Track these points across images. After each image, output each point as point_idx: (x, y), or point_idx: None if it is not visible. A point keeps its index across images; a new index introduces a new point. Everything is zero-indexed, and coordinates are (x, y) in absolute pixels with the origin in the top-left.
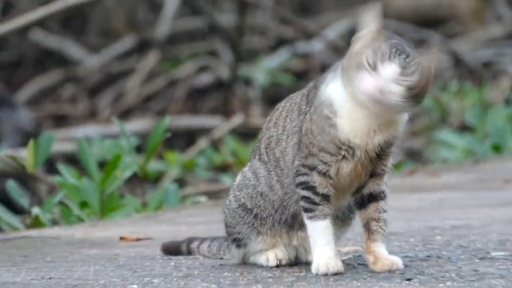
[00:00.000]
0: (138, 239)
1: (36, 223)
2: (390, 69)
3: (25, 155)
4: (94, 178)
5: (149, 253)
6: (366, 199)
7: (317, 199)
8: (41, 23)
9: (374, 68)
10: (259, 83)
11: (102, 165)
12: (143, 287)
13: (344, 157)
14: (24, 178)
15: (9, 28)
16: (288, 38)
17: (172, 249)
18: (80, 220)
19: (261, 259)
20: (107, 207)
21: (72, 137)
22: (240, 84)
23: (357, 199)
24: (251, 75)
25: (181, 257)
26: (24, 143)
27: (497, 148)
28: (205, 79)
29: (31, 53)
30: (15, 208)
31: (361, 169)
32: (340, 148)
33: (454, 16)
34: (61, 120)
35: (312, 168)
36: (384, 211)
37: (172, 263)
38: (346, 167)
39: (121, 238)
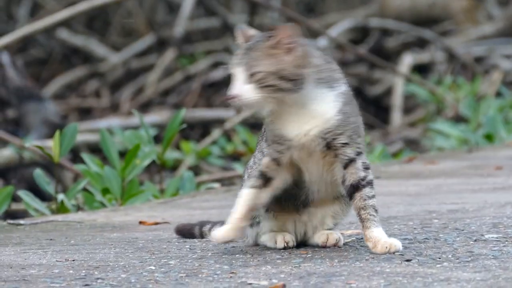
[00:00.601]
0: (156, 223)
1: (61, 209)
2: (236, 73)
3: (51, 145)
4: (115, 166)
5: (166, 236)
6: (350, 190)
7: (256, 174)
8: (67, 23)
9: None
10: None
11: (122, 154)
12: (160, 268)
13: (290, 147)
14: (50, 166)
15: (38, 27)
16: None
17: (185, 232)
18: (102, 205)
19: (270, 241)
20: (127, 193)
21: (95, 128)
22: None
23: (346, 193)
24: None
25: (196, 240)
26: (50, 134)
27: (489, 137)
28: (218, 74)
29: (58, 50)
30: (42, 195)
31: (319, 157)
32: (279, 141)
33: (448, 16)
34: (85, 113)
35: (267, 155)
36: (369, 197)
37: (187, 246)
38: (297, 155)
39: (140, 222)
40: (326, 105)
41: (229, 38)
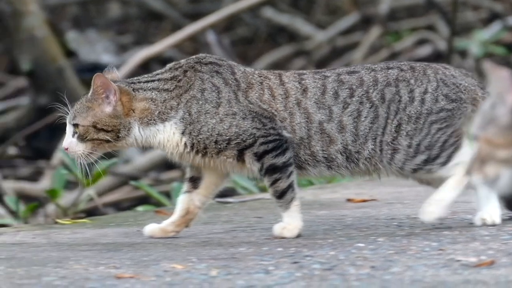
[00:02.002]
0: (364, 201)
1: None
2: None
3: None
4: None
5: (374, 213)
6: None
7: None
8: (272, 1)
9: None
10: (474, 55)
11: None
12: (368, 245)
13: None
14: None
15: (243, 6)
16: (500, 13)
17: None
18: (310, 183)
19: None
20: None
21: None
22: (455, 55)
23: None
24: (466, 47)
25: (403, 217)
26: None
27: None
28: (424, 51)
29: (264, 29)
30: None
31: (208, 161)
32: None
33: None
34: None
35: None
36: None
37: (395, 223)
38: (192, 161)
39: (348, 200)
40: (166, 137)
41: (433, 15)
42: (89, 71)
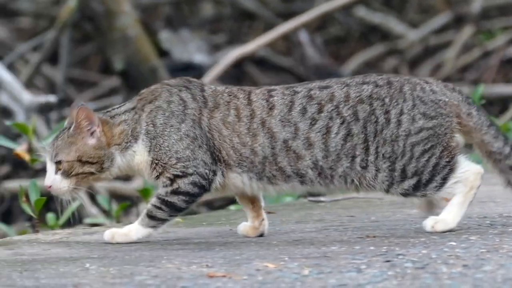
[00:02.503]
0: None
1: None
2: (47, 163)
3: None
4: None
5: (466, 212)
6: None
7: None
8: (365, 0)
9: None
10: None
11: None
12: (460, 243)
13: None
14: None
15: (336, 5)
16: None
17: None
18: None
19: None
20: None
21: None
22: None
23: None
24: None
25: (496, 215)
26: None
27: None
28: None
29: (356, 28)
30: None
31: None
32: None
33: None
34: None
35: None
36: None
37: (488, 221)
38: None
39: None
40: (140, 158)
41: None
42: (182, 70)
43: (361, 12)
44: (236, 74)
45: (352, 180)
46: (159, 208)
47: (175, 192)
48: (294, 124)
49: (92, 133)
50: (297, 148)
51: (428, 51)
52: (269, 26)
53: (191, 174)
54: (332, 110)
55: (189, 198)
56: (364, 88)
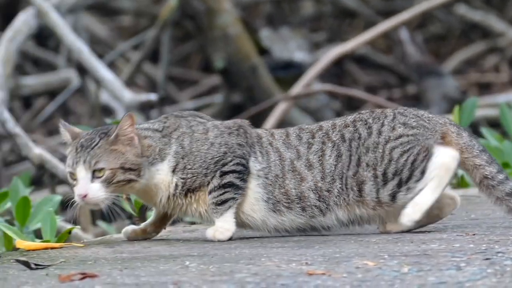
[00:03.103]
0: None
1: (462, 183)
2: (78, 173)
3: (452, 119)
4: None
5: None
6: None
7: None
8: None
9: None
10: None
11: None
12: None
13: None
14: None
15: (436, 3)
16: None
17: None
18: None
19: None
20: None
21: (495, 103)
22: None
23: None
24: None
25: None
26: (450, 109)
27: None
28: None
29: (457, 26)
30: None
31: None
32: None
33: None
34: (484, 88)
35: None
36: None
37: None
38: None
39: None
40: (163, 177)
41: None
42: (282, 68)
43: (462, 9)
44: (336, 72)
45: (344, 199)
46: (222, 194)
47: (224, 174)
48: (295, 147)
49: (133, 141)
50: (301, 168)
51: None
52: (369, 24)
53: (230, 161)
54: (323, 136)
55: (238, 175)
56: (349, 117)
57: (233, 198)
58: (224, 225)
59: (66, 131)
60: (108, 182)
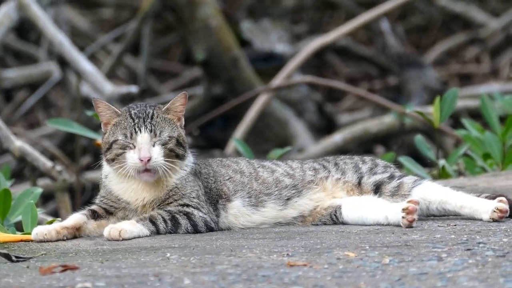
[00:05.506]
0: None
1: (443, 174)
2: (142, 138)
3: (432, 111)
4: (495, 131)
5: None
6: None
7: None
8: None
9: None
10: None
11: (502, 119)
12: None
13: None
14: (430, 132)
15: None
16: None
17: None
18: (483, 170)
19: None
20: (508, 158)
21: (475, 94)
22: None
23: None
24: None
25: None
26: (430, 100)
27: None
28: None
29: (437, 17)
30: (422, 161)
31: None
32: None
33: None
34: (465, 79)
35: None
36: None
37: None
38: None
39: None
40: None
41: None
42: (263, 60)
43: (443, 1)
44: (317, 64)
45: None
46: (165, 222)
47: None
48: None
49: (181, 119)
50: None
51: (510, 39)
52: (350, 16)
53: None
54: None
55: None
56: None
57: (157, 233)
58: (141, 231)
59: (106, 105)
60: (165, 148)
